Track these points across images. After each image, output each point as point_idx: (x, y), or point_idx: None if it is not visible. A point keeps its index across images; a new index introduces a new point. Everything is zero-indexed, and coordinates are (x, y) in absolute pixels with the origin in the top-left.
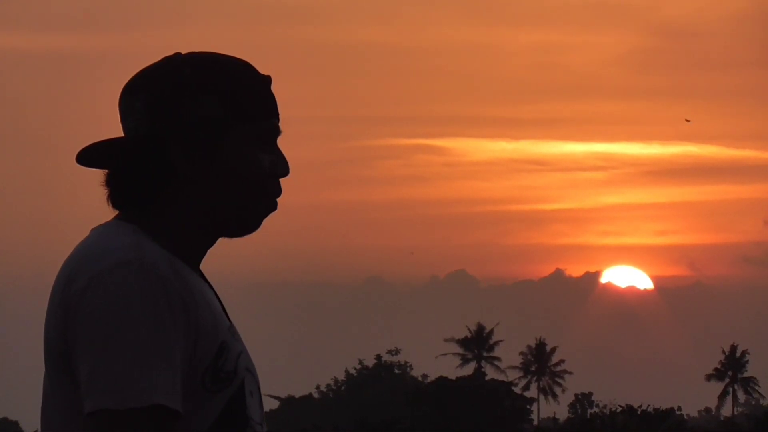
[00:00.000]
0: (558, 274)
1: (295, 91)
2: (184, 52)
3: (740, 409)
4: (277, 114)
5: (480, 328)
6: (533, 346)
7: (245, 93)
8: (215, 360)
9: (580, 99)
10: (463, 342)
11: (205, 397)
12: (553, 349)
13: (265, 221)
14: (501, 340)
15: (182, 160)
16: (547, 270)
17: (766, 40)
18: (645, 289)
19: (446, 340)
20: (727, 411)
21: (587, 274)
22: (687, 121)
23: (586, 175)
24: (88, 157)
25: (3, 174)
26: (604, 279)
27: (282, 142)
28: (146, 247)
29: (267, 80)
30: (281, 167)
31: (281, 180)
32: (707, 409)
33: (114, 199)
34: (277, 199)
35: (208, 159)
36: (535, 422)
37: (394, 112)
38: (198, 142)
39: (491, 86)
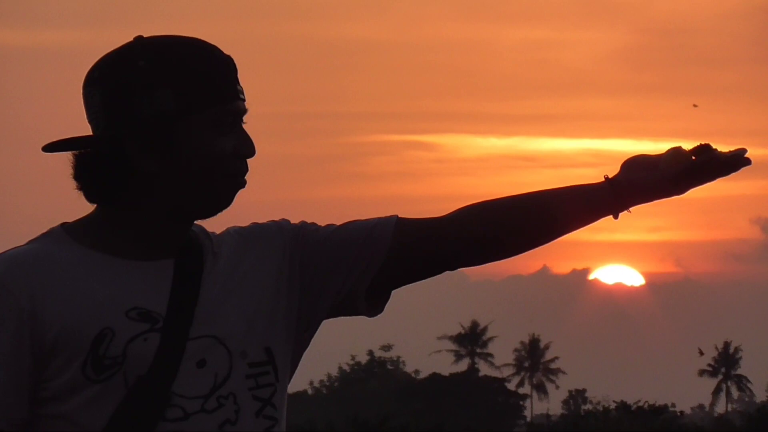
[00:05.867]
0: (545, 270)
1: (286, 88)
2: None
3: (733, 406)
4: (236, 95)
5: (474, 324)
6: (527, 342)
7: (200, 82)
8: (93, 349)
9: (572, 95)
10: (456, 338)
11: (97, 387)
12: (547, 346)
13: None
14: (494, 337)
15: (140, 157)
16: (534, 266)
17: (757, 36)
18: (635, 286)
19: (439, 338)
20: (720, 408)
21: (574, 271)
22: (694, 106)
23: (577, 172)
24: (54, 148)
25: None
26: (592, 276)
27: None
28: (7, 256)
29: (224, 63)
30: (244, 148)
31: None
32: (701, 406)
33: (84, 194)
34: (245, 177)
35: (166, 152)
36: (529, 419)
37: (385, 109)
38: (154, 137)
39: (482, 82)
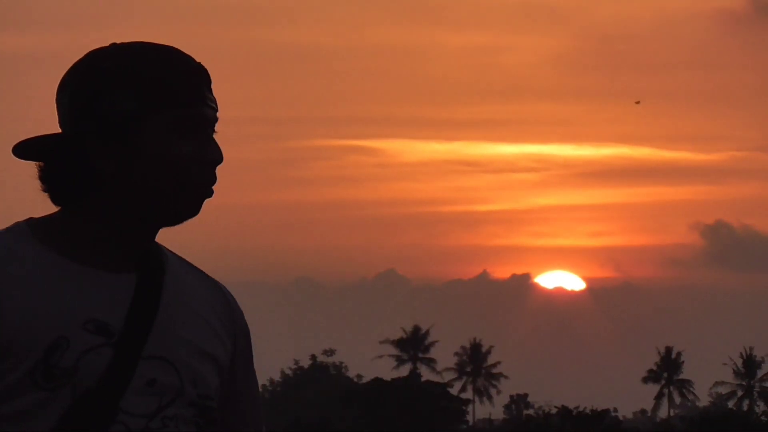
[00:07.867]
0: (484, 275)
1: (228, 92)
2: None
3: (676, 411)
4: (203, 101)
5: (416, 328)
6: (468, 347)
7: (163, 85)
8: (46, 357)
9: (513, 100)
10: (398, 343)
11: (42, 393)
12: (489, 351)
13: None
14: (436, 341)
15: (100, 156)
16: (474, 271)
17: (697, 42)
18: (576, 291)
19: (382, 342)
20: (663, 413)
21: (514, 276)
22: (637, 102)
23: (519, 177)
24: (24, 150)
25: None
26: (534, 281)
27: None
28: None
29: (192, 69)
30: (210, 154)
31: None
32: (643, 411)
33: (49, 195)
34: (213, 186)
35: (124, 153)
36: (471, 423)
37: (327, 113)
38: (113, 136)
39: (424, 87)
